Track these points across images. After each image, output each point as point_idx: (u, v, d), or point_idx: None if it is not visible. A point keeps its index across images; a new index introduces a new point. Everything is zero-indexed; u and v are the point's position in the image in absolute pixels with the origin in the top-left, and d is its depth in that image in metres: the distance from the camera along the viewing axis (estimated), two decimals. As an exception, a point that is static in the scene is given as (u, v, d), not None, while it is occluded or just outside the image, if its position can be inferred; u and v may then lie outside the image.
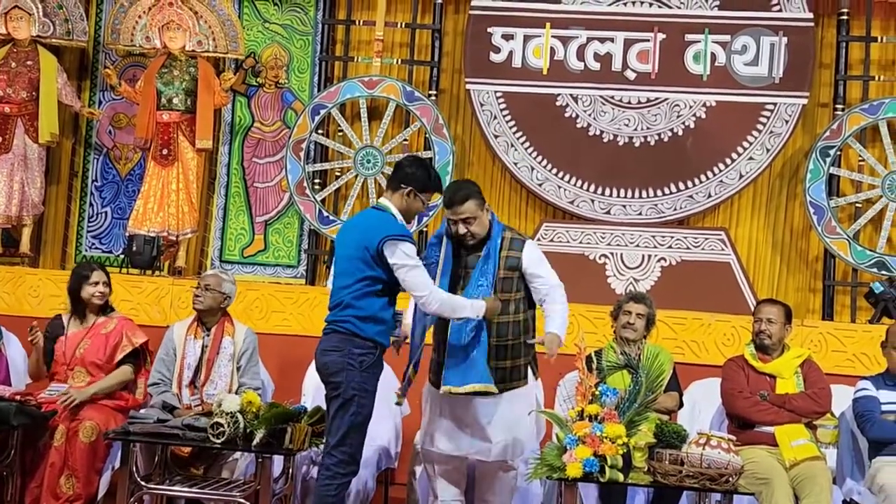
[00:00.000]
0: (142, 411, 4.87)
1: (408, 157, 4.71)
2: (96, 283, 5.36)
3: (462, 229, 4.49)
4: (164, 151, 7.14)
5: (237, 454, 4.87)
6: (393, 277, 4.28)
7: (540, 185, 7.07)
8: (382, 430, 5.18)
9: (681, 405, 5.18)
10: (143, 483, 4.53)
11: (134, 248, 6.90)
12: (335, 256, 4.49)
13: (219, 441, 4.44)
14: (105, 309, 5.43)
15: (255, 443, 4.43)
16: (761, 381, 4.92)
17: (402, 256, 4.24)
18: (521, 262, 4.49)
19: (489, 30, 7.08)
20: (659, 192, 6.95)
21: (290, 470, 4.65)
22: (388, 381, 4.95)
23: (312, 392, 5.47)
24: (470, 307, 4.31)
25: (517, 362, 4.51)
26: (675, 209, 6.93)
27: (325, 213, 7.14)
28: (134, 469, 4.54)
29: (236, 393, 4.96)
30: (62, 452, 4.99)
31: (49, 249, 7.74)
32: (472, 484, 4.68)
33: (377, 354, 4.29)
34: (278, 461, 4.68)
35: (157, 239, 6.97)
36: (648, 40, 6.96)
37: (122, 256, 7.33)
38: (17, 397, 5.06)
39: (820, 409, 4.87)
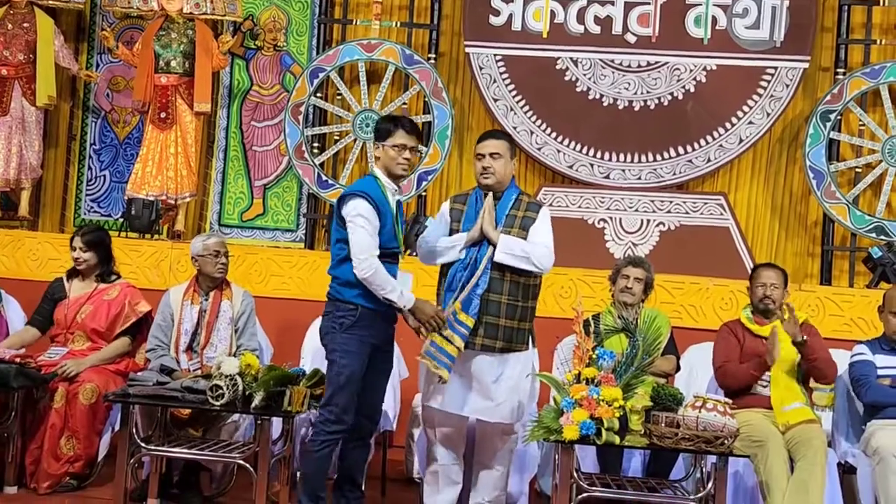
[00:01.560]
0: (141, 374, 4.88)
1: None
2: (74, 249, 5.36)
3: (486, 162, 4.51)
4: (163, 115, 7.12)
5: (236, 416, 4.89)
6: None
7: (539, 149, 7.05)
8: (381, 394, 5.19)
9: (678, 369, 5.20)
10: (142, 445, 4.55)
11: (133, 212, 6.90)
12: None
13: (218, 403, 4.45)
14: (105, 274, 5.42)
15: (253, 405, 4.44)
16: (758, 345, 4.92)
17: (351, 211, 4.27)
18: (534, 222, 4.49)
19: (489, -8, 7.06)
20: (658, 157, 6.93)
21: (289, 432, 4.66)
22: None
23: (311, 355, 5.49)
24: (400, 294, 4.30)
25: (523, 325, 4.52)
26: (675, 173, 6.92)
27: (324, 177, 7.13)
28: (133, 431, 4.55)
29: (234, 355, 4.98)
30: (62, 414, 5.01)
31: (48, 213, 7.74)
32: (471, 448, 4.70)
33: (357, 316, 4.30)
34: (277, 423, 4.70)
35: (155, 202, 6.96)
36: (649, 3, 6.91)
37: (120, 220, 7.32)
38: (17, 359, 5.08)
39: (832, 376, 4.90)
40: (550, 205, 6.84)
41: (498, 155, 4.51)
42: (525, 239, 4.46)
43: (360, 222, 4.27)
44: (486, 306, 4.41)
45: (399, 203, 4.58)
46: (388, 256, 4.38)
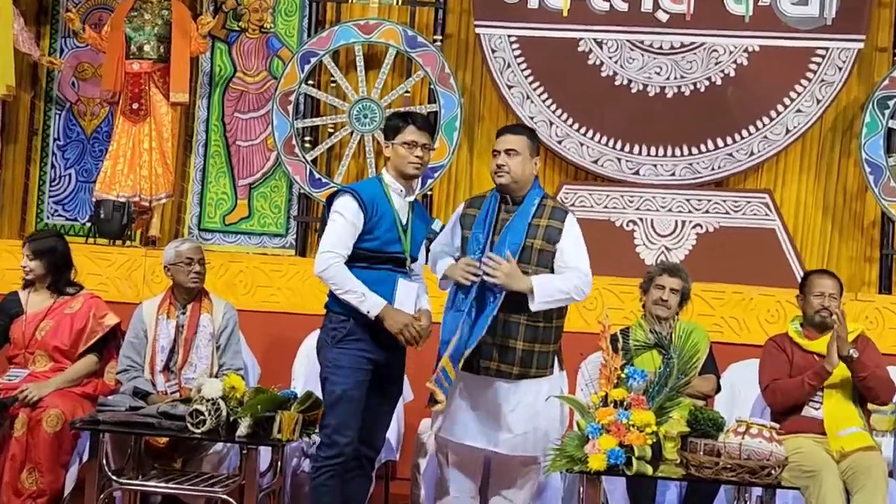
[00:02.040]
0: (112, 398, 4.89)
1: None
2: (22, 258, 5.38)
3: (500, 159, 4.51)
4: (135, 106, 7.14)
5: (219, 446, 4.90)
6: (358, 241, 4.38)
7: (559, 142, 7.05)
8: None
9: (718, 389, 5.19)
10: (114, 478, 4.56)
11: (101, 216, 6.92)
12: None
13: (199, 431, 4.45)
14: (59, 285, 5.40)
15: (239, 433, 4.44)
16: (809, 362, 4.92)
17: (334, 207, 4.38)
18: (561, 235, 4.49)
19: (502, -35, 7.07)
20: (694, 150, 6.92)
21: (279, 463, 4.68)
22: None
23: (303, 376, 5.50)
24: (363, 297, 4.29)
25: (546, 348, 4.52)
26: (713, 169, 6.91)
27: (317, 175, 7.14)
28: (104, 462, 4.56)
29: (217, 376, 4.98)
30: (23, 444, 5.02)
31: (6, 216, 7.76)
32: (487, 479, 4.70)
33: (349, 327, 4.36)
34: (265, 453, 4.71)
35: (127, 205, 6.98)
36: (683, -24, 6.93)
37: (88, 224, 7.34)
38: (-28, 383, 5.10)
39: (888, 397, 4.89)
40: (573, 205, 6.84)
41: (514, 152, 4.50)
42: (550, 253, 4.46)
43: (335, 217, 4.38)
44: (501, 327, 4.42)
45: (418, 204, 4.61)
46: (387, 262, 4.41)
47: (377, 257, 4.39)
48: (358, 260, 4.40)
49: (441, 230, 4.72)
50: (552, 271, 4.49)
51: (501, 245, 4.45)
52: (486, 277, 4.34)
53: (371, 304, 4.32)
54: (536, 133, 4.72)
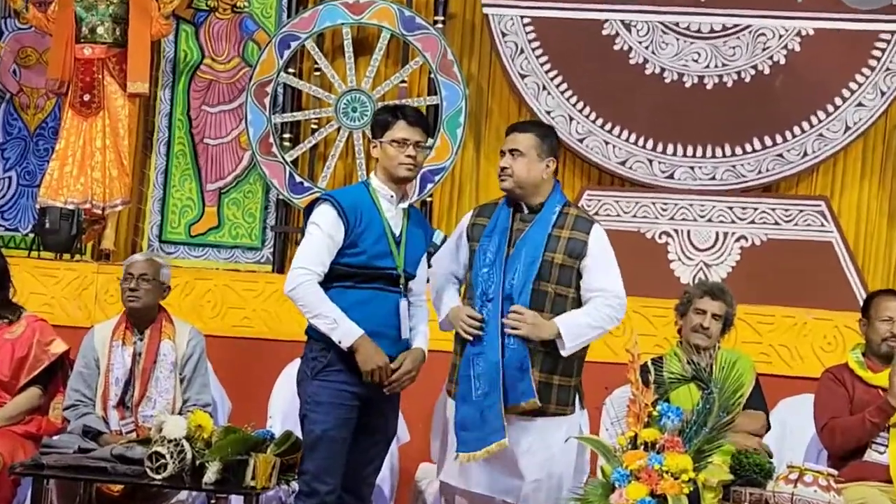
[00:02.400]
0: (58, 438, 4.88)
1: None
2: None
3: (504, 161, 4.54)
4: (86, 97, 7.15)
5: (183, 494, 4.90)
6: (339, 256, 4.38)
7: (581, 140, 7.05)
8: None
9: (767, 428, 5.18)
10: (60, 532, 4.56)
11: (47, 225, 6.91)
12: None
13: (159, 476, 4.43)
14: (6, 308, 5.42)
15: (206, 479, 4.42)
16: (873, 397, 4.91)
17: (313, 217, 4.40)
18: (587, 249, 4.50)
19: (513, -66, 7.09)
20: (738, 150, 6.93)
21: (253, 514, 4.66)
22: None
23: (281, 412, 5.49)
24: (334, 323, 4.30)
25: (567, 381, 4.52)
26: (760, 171, 6.91)
27: (298, 178, 7.15)
28: (48, 513, 4.57)
29: (181, 413, 4.97)
30: (-45, 492, 5.02)
31: (-64, 227, 7.77)
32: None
33: (329, 357, 4.35)
34: (237, 502, 4.68)
35: (76, 212, 6.98)
36: (725, -52, 6.95)
37: (31, 235, 7.34)
38: None
39: None
40: (596, 213, 6.84)
41: (519, 153, 4.51)
42: (572, 269, 4.46)
43: (311, 229, 4.39)
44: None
45: (415, 212, 4.61)
46: (376, 280, 4.40)
47: (363, 274, 4.38)
48: (342, 278, 4.39)
49: (443, 243, 4.72)
50: (577, 290, 4.50)
51: (516, 259, 4.46)
52: (509, 332, 4.40)
53: (343, 331, 4.31)
54: (553, 130, 4.72)
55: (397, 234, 4.48)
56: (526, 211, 4.56)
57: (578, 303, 4.52)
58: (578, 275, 4.51)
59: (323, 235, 4.36)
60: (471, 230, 4.63)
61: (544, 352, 4.44)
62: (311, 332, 4.43)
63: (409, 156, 4.43)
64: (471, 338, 4.43)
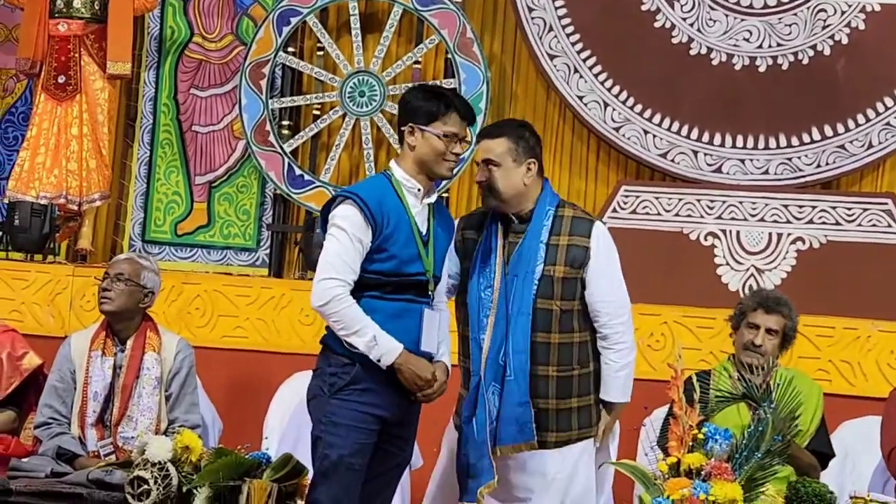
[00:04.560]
0: (28, 460, 4.90)
1: (409, 89, 4.69)
2: None
3: (480, 175, 4.53)
4: (61, 79, 7.17)
5: (168, 524, 4.90)
6: (366, 262, 4.32)
7: (617, 129, 7.05)
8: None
9: (829, 458, 5.17)
10: (30, 565, 4.58)
11: (16, 222, 6.93)
12: None
13: (141, 504, 4.46)
14: None
15: (194, 507, 4.45)
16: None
17: (332, 217, 4.33)
18: (589, 255, 4.50)
19: None
20: (794, 140, 6.92)
21: (247, 548, 4.67)
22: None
23: (278, 433, 5.49)
24: (373, 341, 4.27)
25: (586, 400, 4.54)
26: (819, 165, 6.90)
27: (298, 171, 7.15)
28: (17, 544, 4.58)
29: (166, 434, 4.97)
30: (-87, 519, 5.04)
31: None
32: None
33: (353, 373, 4.31)
34: (228, 534, 4.70)
35: (50, 208, 7.00)
36: (780, -87, 6.95)
37: (-1, 234, 7.38)
38: None
39: None
40: (634, 211, 6.85)
41: (494, 163, 4.49)
42: (575, 280, 4.49)
43: (335, 233, 4.30)
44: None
45: (439, 206, 4.57)
46: (408, 290, 4.38)
47: (393, 283, 4.33)
48: (370, 287, 4.34)
49: None
50: (582, 301, 4.52)
51: (513, 279, 4.47)
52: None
53: (384, 349, 4.27)
54: (527, 126, 4.67)
55: (424, 233, 4.43)
56: (516, 221, 4.55)
57: (584, 313, 4.54)
58: (582, 283, 4.52)
59: (350, 239, 4.28)
60: (461, 245, 4.62)
61: (557, 375, 4.48)
62: (332, 342, 4.37)
63: (455, 153, 4.42)
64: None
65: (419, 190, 4.41)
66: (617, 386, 4.57)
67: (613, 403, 4.57)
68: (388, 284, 4.33)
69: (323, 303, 4.27)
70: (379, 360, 4.28)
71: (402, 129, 4.44)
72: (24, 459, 4.95)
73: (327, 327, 4.38)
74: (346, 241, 4.29)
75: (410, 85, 6.63)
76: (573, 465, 4.53)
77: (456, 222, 4.73)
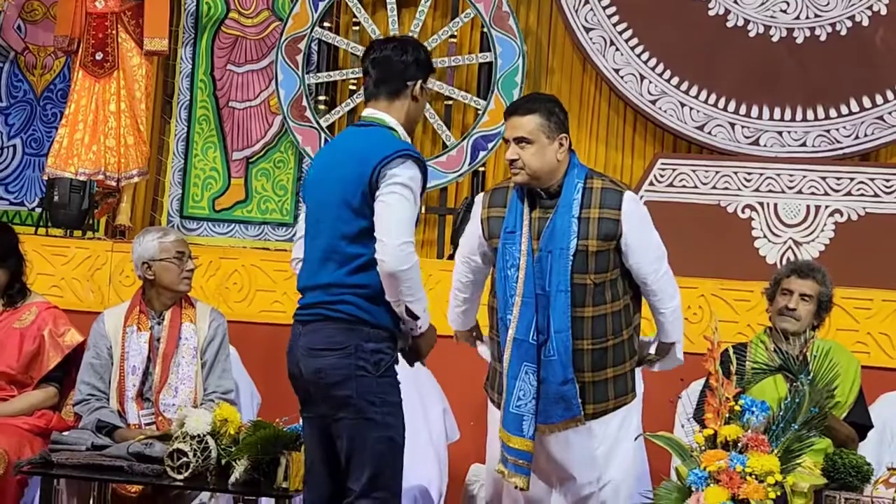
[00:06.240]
0: (68, 433, 4.93)
1: (382, 44, 4.43)
2: None
3: (511, 153, 4.51)
4: (99, 56, 7.19)
5: (206, 495, 4.93)
6: None
7: (653, 102, 7.03)
8: (418, 464, 5.22)
9: (867, 429, 5.16)
10: (71, 537, 4.62)
11: (56, 199, 6.96)
12: (306, 210, 4.47)
13: (181, 476, 4.48)
14: (16, 294, 5.47)
15: (232, 479, 4.47)
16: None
17: (399, 175, 4.11)
18: (620, 228, 4.50)
19: None
20: (833, 112, 6.88)
21: (285, 519, 4.70)
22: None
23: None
24: (424, 312, 4.21)
25: (622, 369, 4.56)
26: (857, 137, 6.87)
27: (335, 146, 7.16)
28: (59, 516, 4.61)
29: (202, 405, 5.02)
30: (-44, 492, 5.09)
31: (-67, 201, 7.86)
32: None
33: (394, 351, 4.23)
34: (267, 505, 4.73)
35: (88, 185, 7.03)
36: None
37: (38, 210, 7.41)
38: None
39: None
40: (671, 184, 6.83)
41: (527, 142, 4.49)
42: (607, 252, 4.48)
43: (406, 194, 4.12)
44: None
45: None
46: None
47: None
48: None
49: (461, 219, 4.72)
50: (615, 269, 4.53)
51: (547, 255, 4.46)
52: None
53: (426, 319, 4.25)
54: (556, 101, 4.65)
55: None
56: (545, 196, 4.55)
57: (616, 284, 4.54)
58: (616, 252, 4.52)
59: (416, 201, 4.18)
60: (486, 224, 4.62)
61: (591, 349, 4.49)
62: (379, 316, 4.18)
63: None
64: None
65: None
66: (676, 328, 4.72)
67: (674, 343, 4.73)
68: None
69: (406, 267, 4.08)
70: (420, 327, 4.24)
71: (409, 84, 4.30)
72: (65, 433, 4.99)
73: (353, 299, 4.18)
74: (413, 202, 4.16)
75: (453, 58, 6.64)
76: (614, 436, 4.56)
77: (478, 198, 4.73)
